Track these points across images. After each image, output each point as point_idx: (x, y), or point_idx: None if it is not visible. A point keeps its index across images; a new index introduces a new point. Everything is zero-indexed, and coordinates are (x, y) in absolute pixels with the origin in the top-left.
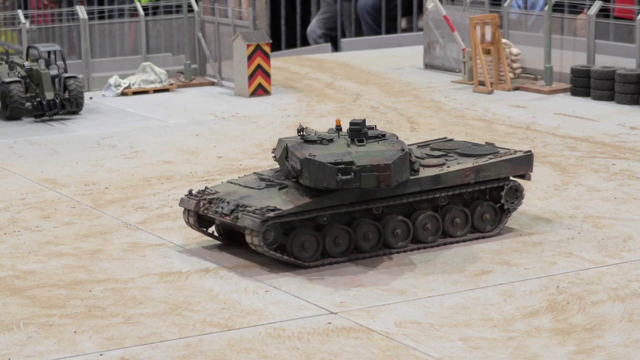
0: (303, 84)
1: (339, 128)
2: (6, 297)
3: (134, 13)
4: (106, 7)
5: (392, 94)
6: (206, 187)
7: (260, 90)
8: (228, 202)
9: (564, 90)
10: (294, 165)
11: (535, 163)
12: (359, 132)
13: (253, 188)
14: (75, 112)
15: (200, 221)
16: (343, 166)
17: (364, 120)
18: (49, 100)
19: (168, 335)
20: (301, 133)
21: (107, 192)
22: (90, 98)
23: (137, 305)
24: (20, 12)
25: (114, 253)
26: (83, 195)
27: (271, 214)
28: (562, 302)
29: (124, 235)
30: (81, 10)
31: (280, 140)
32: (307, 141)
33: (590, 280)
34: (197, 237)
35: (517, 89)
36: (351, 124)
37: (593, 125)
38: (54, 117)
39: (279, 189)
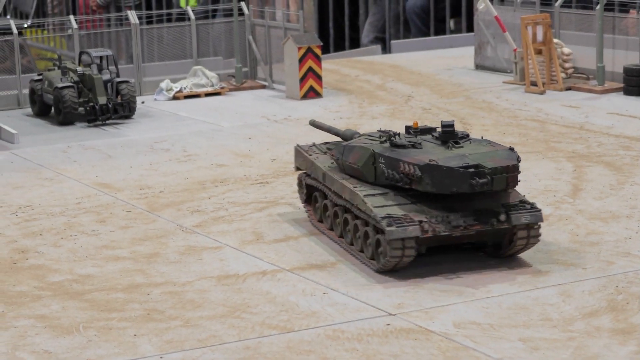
0: (354, 86)
1: (416, 130)
2: (65, 300)
3: (180, 17)
4: (154, 12)
5: (443, 95)
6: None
7: (312, 93)
8: (437, 216)
9: (616, 90)
10: (411, 172)
11: (590, 163)
12: (452, 133)
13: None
14: (128, 117)
15: None
16: (474, 170)
17: (453, 122)
18: (102, 104)
19: (227, 338)
20: (392, 138)
21: (162, 195)
22: (142, 102)
23: (195, 308)
24: (72, 18)
25: (170, 256)
26: (138, 199)
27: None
28: (622, 302)
29: (180, 238)
30: (132, 15)
31: (340, 145)
32: (397, 145)
33: None
34: (252, 240)
35: (569, 88)
36: (443, 125)
37: None
38: (107, 121)
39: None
